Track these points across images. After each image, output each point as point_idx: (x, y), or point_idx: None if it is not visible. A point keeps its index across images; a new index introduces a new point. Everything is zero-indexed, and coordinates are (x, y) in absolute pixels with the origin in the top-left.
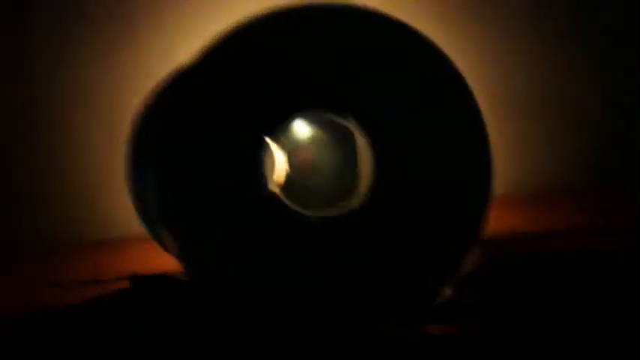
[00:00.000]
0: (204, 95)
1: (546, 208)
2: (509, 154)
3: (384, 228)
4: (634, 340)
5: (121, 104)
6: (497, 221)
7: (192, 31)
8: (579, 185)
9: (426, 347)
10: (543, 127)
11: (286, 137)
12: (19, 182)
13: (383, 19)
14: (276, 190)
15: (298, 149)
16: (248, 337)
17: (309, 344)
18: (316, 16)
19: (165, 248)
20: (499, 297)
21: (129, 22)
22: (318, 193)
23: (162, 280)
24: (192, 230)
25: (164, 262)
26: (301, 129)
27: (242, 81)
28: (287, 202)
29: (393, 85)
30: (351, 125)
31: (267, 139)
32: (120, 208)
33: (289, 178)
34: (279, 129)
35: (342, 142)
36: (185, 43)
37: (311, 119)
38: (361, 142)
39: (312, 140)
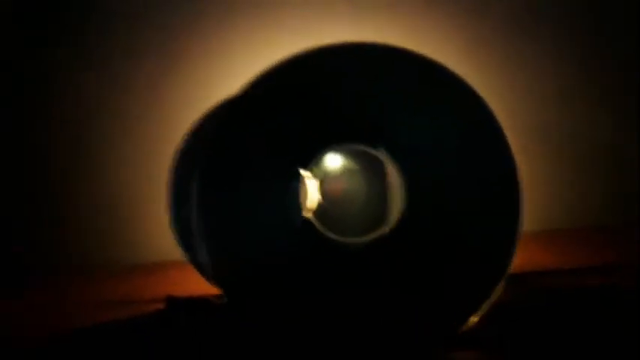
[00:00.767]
0: (247, 127)
1: (575, 245)
2: (539, 189)
3: (414, 255)
4: None
5: (162, 134)
6: (526, 256)
7: (234, 67)
8: (611, 225)
9: None
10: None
11: (318, 167)
12: (60, 208)
13: (415, 58)
14: (310, 216)
15: (330, 178)
16: None
17: None
18: (349, 54)
19: (202, 272)
20: (520, 330)
21: (177, 57)
22: (350, 221)
23: (197, 302)
24: (229, 249)
25: (200, 287)
26: (332, 159)
27: (281, 114)
28: (320, 228)
29: (423, 119)
30: (381, 155)
31: (301, 170)
32: (158, 234)
33: (321, 205)
34: (313, 160)
35: (373, 170)
36: (226, 77)
37: (342, 150)
38: (391, 170)
39: (344, 170)
